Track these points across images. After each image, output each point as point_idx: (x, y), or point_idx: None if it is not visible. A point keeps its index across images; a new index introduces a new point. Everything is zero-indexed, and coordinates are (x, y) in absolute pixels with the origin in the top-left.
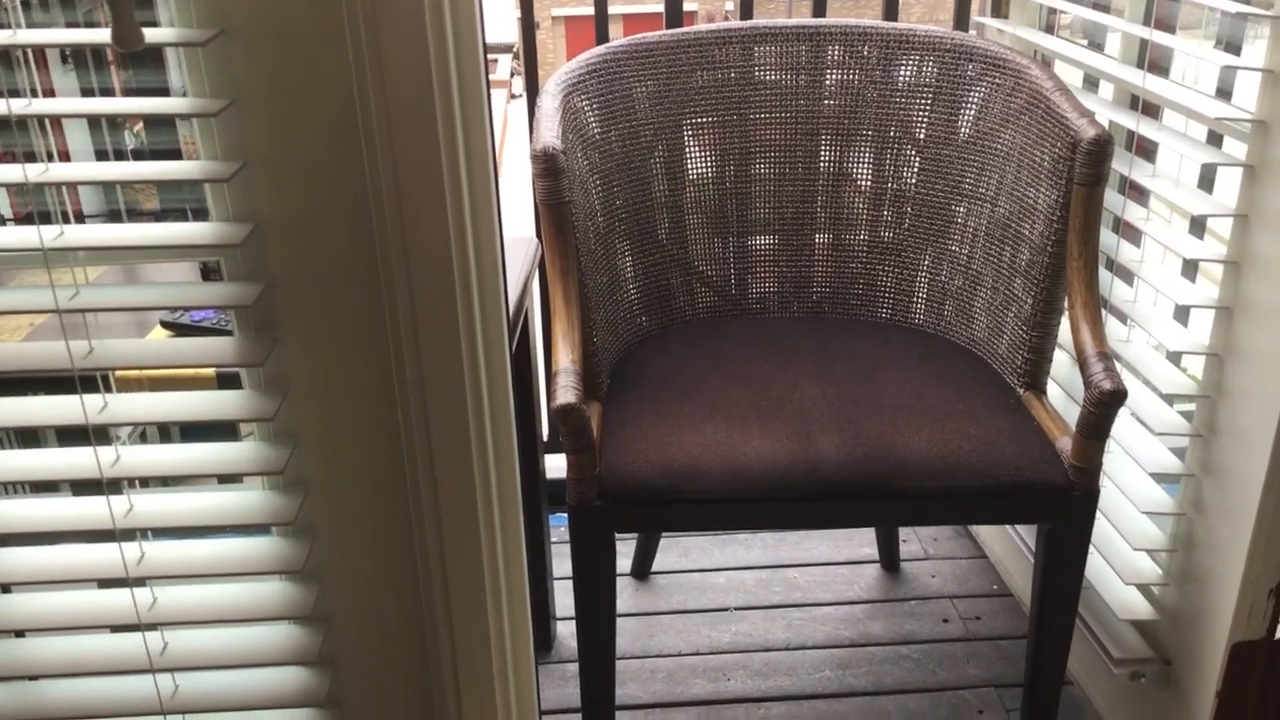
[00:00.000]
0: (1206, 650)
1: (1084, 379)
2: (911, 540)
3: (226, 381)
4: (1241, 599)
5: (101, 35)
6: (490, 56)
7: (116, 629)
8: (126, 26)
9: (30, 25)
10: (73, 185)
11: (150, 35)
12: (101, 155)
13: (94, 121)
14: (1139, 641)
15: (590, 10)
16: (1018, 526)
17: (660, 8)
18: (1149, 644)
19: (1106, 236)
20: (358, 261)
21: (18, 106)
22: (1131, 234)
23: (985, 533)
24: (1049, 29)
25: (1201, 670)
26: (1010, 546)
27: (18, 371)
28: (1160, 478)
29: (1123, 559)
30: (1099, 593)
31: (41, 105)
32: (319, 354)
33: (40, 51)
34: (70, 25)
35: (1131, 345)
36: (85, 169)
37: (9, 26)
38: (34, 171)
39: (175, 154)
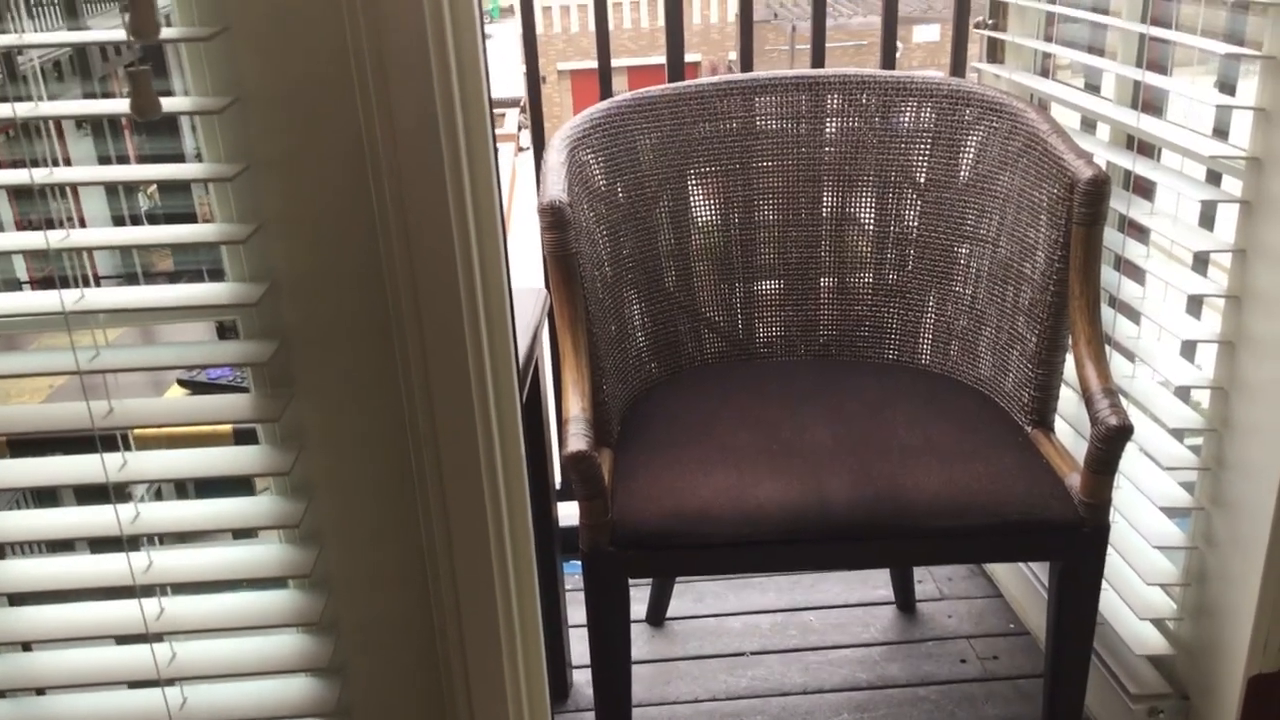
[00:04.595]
0: (1224, 684)
1: (1090, 415)
2: (926, 580)
3: (243, 437)
4: (1257, 631)
5: (120, 105)
6: (498, 111)
7: (135, 685)
8: (145, 97)
9: (49, 94)
10: (90, 250)
11: (167, 104)
12: (117, 219)
13: (110, 186)
14: (1156, 677)
15: (596, 64)
16: (1032, 564)
17: (663, 59)
18: (1166, 679)
19: (1108, 274)
20: (371, 316)
21: (40, 176)
22: (1133, 271)
23: (1000, 571)
24: (1044, 73)
25: (1220, 704)
26: (1025, 585)
27: (40, 432)
28: (1170, 512)
29: (1136, 594)
30: (1114, 629)
31: (64, 174)
32: (333, 408)
33: (57, 119)
34: (87, 94)
35: (1137, 381)
36: (107, 234)
37: (30, 99)
38: (55, 237)
39: (190, 216)
